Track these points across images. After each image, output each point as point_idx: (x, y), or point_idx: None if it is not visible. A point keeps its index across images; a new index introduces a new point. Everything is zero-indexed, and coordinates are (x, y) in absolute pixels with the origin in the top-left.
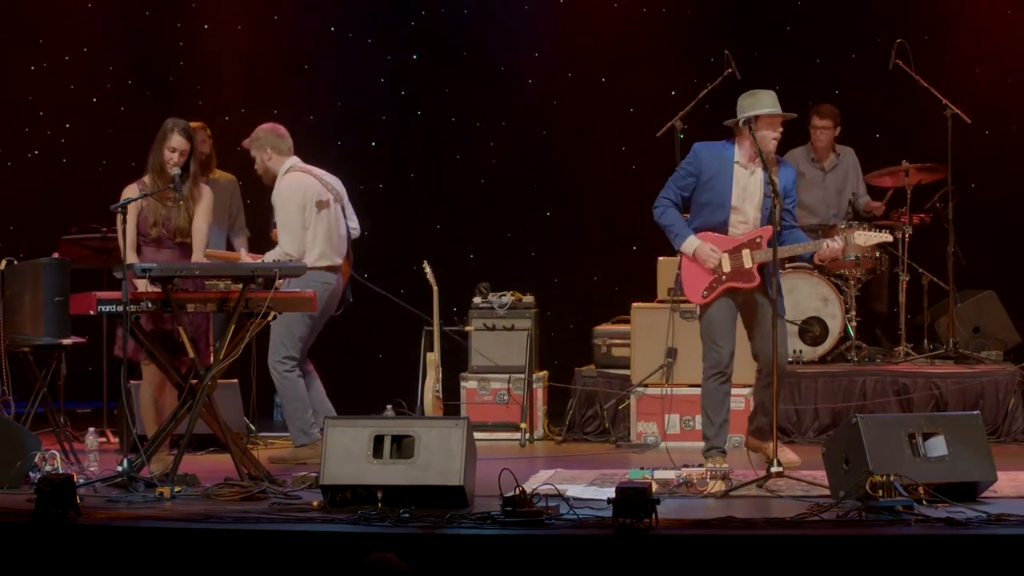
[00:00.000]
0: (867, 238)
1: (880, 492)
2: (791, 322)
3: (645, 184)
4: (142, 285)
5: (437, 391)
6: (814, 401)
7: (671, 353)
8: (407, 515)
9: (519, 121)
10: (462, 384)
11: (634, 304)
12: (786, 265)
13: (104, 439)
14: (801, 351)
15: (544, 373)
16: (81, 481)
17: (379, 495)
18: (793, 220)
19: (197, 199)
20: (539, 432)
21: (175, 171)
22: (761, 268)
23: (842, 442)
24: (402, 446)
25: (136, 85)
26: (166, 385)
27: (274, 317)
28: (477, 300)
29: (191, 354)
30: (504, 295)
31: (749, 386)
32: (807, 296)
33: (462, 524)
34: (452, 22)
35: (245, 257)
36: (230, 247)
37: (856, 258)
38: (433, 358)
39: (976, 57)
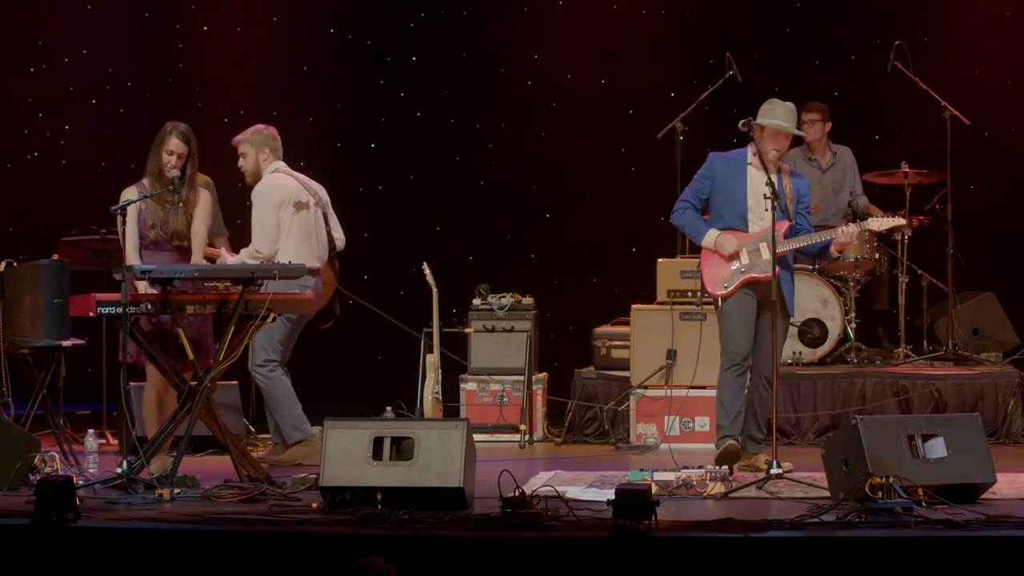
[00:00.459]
0: (881, 223)
1: (879, 494)
2: (792, 323)
3: (645, 186)
4: (141, 287)
5: (436, 393)
6: (813, 403)
7: (671, 355)
8: (407, 517)
9: (518, 123)
10: (461, 386)
11: (634, 306)
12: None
13: (103, 441)
14: (800, 353)
15: (544, 375)
16: (80, 483)
17: (379, 497)
18: (808, 224)
19: (195, 203)
20: (539, 434)
21: (174, 172)
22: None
23: (841, 444)
24: (402, 448)
25: (135, 87)
26: (170, 387)
27: (273, 319)
28: (477, 302)
29: (190, 356)
30: (504, 297)
31: None
32: (806, 297)
33: (462, 526)
34: (451, 24)
35: (226, 256)
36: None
37: (856, 259)
38: (432, 360)
39: (975, 59)
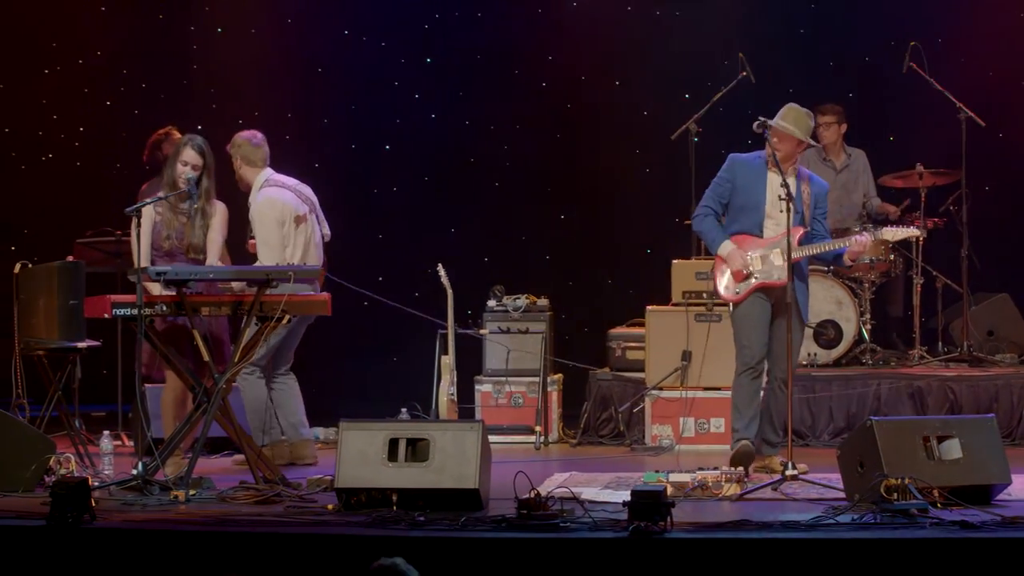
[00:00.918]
0: (895, 233)
1: (895, 495)
2: (807, 325)
3: (659, 187)
4: (156, 289)
5: (452, 394)
6: (828, 404)
7: (686, 356)
8: (422, 518)
9: (533, 124)
10: (477, 387)
11: (649, 307)
12: None
13: (119, 442)
14: (815, 354)
15: (559, 376)
16: (96, 484)
17: (394, 498)
18: (824, 231)
19: (212, 214)
20: (554, 435)
21: (189, 175)
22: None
23: (857, 445)
24: (417, 449)
25: (150, 89)
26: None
27: (288, 320)
28: (492, 303)
29: (206, 357)
30: (519, 298)
31: None
32: (821, 299)
33: (477, 527)
34: (466, 25)
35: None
36: None
37: (871, 261)
38: (447, 361)
39: (990, 60)
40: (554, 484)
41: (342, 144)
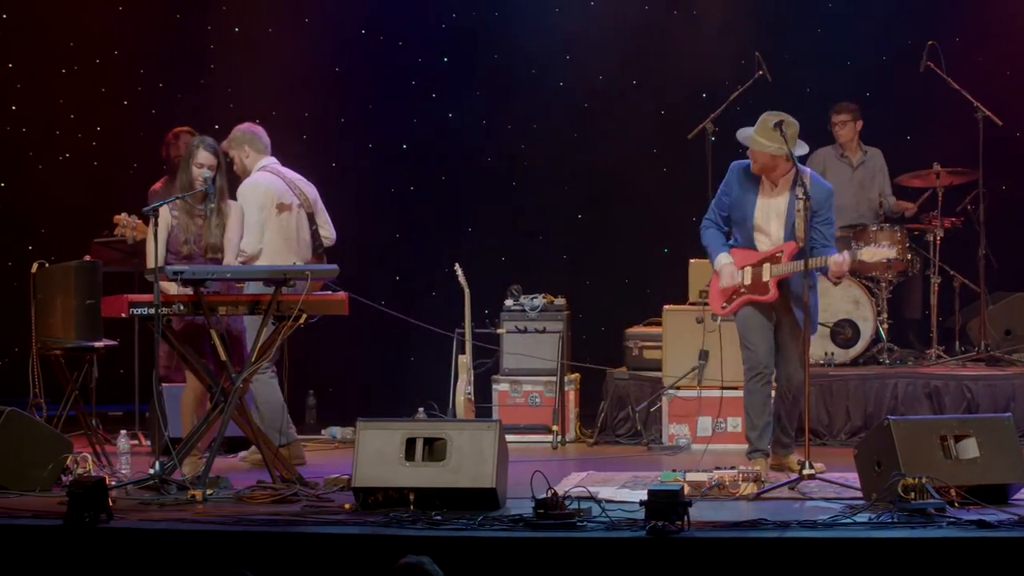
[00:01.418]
0: (873, 254)
1: (912, 494)
2: (823, 324)
3: (677, 186)
4: (172, 288)
5: (469, 393)
6: (845, 403)
7: (703, 355)
8: (439, 517)
9: (550, 123)
10: (494, 386)
11: (666, 306)
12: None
13: (136, 442)
14: (833, 353)
15: (576, 375)
16: (113, 484)
17: (411, 497)
18: (824, 239)
19: (227, 213)
20: (571, 434)
21: (205, 174)
22: (781, 284)
23: (874, 444)
24: (434, 449)
25: (167, 88)
26: None
27: (305, 320)
28: (509, 302)
29: (223, 356)
30: (536, 297)
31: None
32: (839, 299)
33: (494, 526)
34: (483, 24)
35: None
36: None
37: (888, 261)
38: (464, 361)
39: (1007, 59)
40: (571, 483)
41: (359, 143)
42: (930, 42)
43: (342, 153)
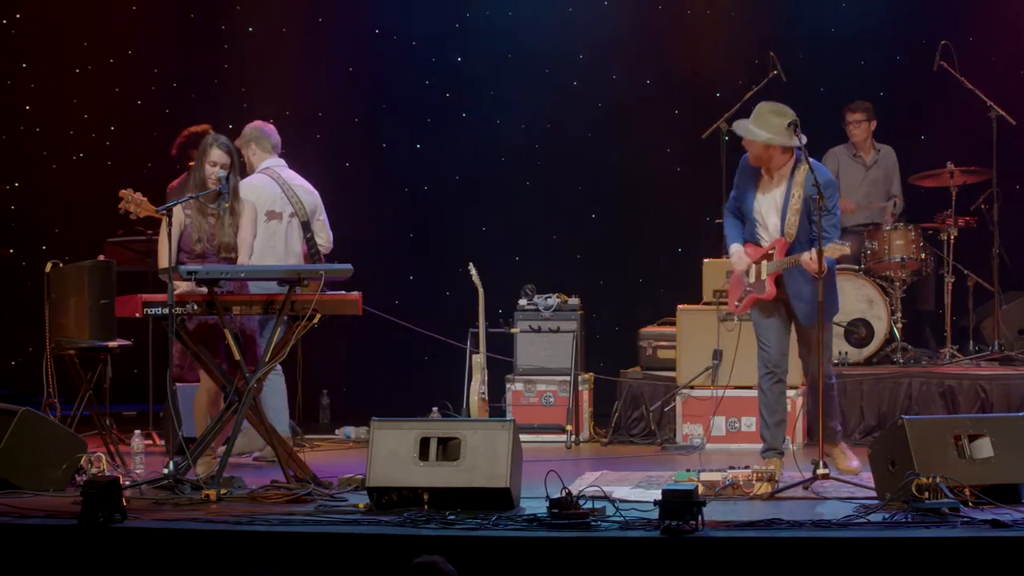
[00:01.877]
0: (833, 250)
1: (926, 494)
2: (837, 324)
3: (690, 186)
4: (185, 288)
5: (483, 393)
6: (859, 403)
7: (717, 355)
8: (453, 517)
9: (564, 123)
10: (508, 386)
11: (680, 306)
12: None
13: (150, 441)
14: (847, 353)
15: (590, 375)
16: (127, 483)
17: (425, 497)
18: (829, 229)
19: (240, 212)
20: (585, 434)
21: (219, 172)
22: (777, 280)
23: (888, 444)
24: (448, 448)
25: (180, 88)
26: None
27: (319, 320)
28: (523, 302)
29: (236, 356)
30: (549, 297)
31: (793, 387)
32: (852, 298)
33: (508, 526)
34: (496, 24)
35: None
36: None
37: (901, 259)
38: (478, 360)
39: (1020, 58)
40: (585, 483)
41: (373, 143)
42: (943, 42)
43: (355, 153)
